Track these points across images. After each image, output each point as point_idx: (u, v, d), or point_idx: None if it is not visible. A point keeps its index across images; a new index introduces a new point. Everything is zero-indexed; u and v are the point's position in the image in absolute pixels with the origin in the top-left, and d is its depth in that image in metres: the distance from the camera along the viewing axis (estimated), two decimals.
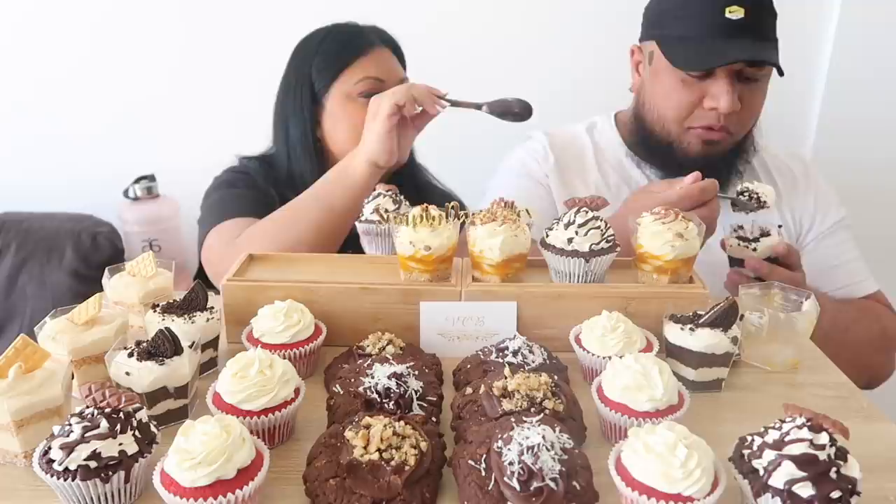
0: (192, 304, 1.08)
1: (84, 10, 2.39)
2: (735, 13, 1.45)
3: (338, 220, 1.47)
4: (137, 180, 2.47)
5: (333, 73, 1.71)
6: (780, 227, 1.47)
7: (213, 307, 1.10)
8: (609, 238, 1.18)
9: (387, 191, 1.44)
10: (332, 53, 1.72)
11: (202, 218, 1.72)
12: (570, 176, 1.71)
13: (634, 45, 1.68)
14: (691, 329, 1.03)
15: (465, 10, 2.37)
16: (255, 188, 1.72)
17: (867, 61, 2.34)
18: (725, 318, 1.03)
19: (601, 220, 1.19)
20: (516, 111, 1.47)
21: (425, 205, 1.22)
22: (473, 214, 1.21)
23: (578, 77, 1.77)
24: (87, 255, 2.34)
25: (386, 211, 1.38)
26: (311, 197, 1.48)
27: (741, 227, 1.44)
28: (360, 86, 1.69)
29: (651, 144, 1.62)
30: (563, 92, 1.92)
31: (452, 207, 1.21)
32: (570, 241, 1.17)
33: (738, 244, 1.41)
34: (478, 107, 1.48)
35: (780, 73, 1.47)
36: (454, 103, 1.48)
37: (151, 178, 2.49)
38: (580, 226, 1.17)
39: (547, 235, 1.21)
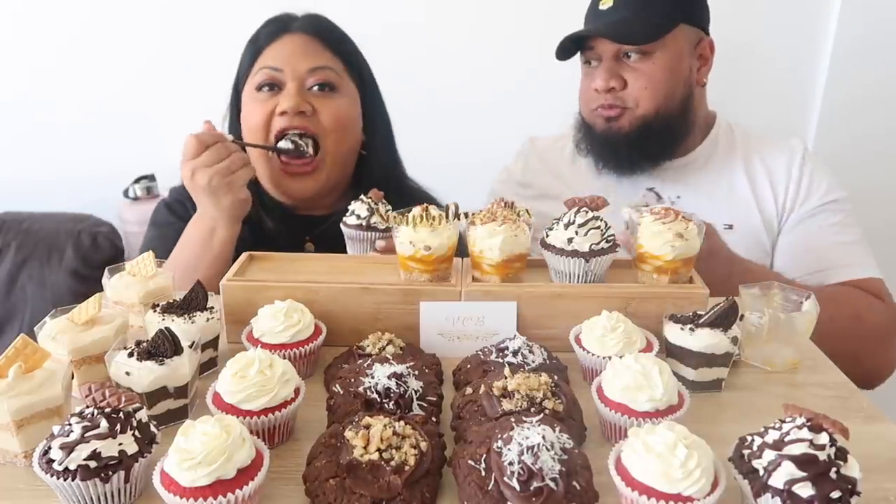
0: (192, 304, 1.08)
1: (84, 10, 2.40)
2: (605, 4, 1.63)
3: (226, 260, 1.41)
4: (137, 180, 2.48)
5: (245, 68, 1.57)
6: (678, 197, 1.53)
7: (213, 307, 1.10)
8: (609, 238, 1.18)
9: (374, 198, 1.40)
10: (248, 46, 1.59)
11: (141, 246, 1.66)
12: (543, 179, 1.85)
13: None
14: (691, 329, 1.03)
15: (453, 9, 2.38)
16: (182, 228, 1.52)
17: (868, 53, 2.35)
18: (725, 318, 1.03)
19: (601, 220, 1.19)
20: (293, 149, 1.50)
21: (425, 205, 1.22)
22: (473, 214, 1.21)
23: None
24: (87, 255, 2.34)
25: (388, 211, 1.37)
26: (192, 257, 1.42)
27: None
28: (258, 77, 1.53)
29: (584, 132, 1.76)
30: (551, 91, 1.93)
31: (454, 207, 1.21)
32: (570, 241, 1.17)
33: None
34: (267, 148, 1.49)
35: (625, 42, 1.58)
36: (242, 145, 1.45)
37: (151, 178, 2.49)
38: (580, 226, 1.17)
39: (547, 235, 1.22)
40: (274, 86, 1.52)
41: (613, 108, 1.64)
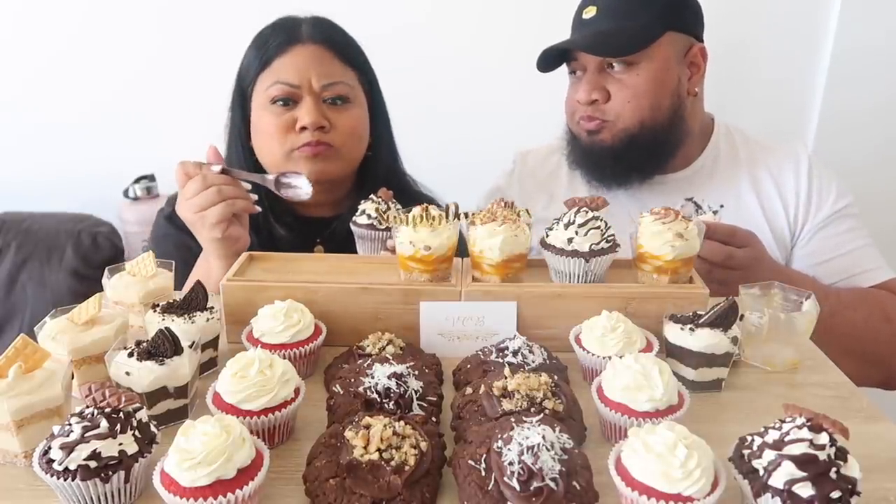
0: (192, 304, 1.08)
1: (83, 11, 2.40)
2: (588, 13, 1.59)
3: None
4: (137, 180, 2.48)
5: (253, 74, 1.54)
6: (721, 206, 1.48)
7: (213, 307, 1.10)
8: (609, 238, 1.18)
9: (384, 198, 1.39)
10: (253, 54, 1.55)
11: None
12: (538, 197, 1.79)
13: None
14: (691, 329, 1.03)
15: (457, 10, 2.37)
16: (183, 239, 1.55)
17: (868, 55, 2.34)
18: (725, 318, 1.03)
19: (601, 220, 1.19)
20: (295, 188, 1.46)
21: (425, 205, 1.22)
22: (473, 214, 1.21)
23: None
24: (87, 255, 2.35)
25: (386, 210, 1.37)
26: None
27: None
28: (272, 91, 1.50)
29: (573, 145, 1.72)
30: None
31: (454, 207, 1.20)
32: (570, 241, 1.17)
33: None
34: (264, 181, 1.45)
35: (602, 55, 1.56)
36: (232, 174, 1.40)
37: (151, 178, 2.50)
38: (580, 226, 1.17)
39: (547, 235, 1.22)
40: (289, 100, 1.51)
41: (593, 119, 1.60)
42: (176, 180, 1.39)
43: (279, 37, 1.54)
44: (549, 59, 1.64)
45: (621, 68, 1.57)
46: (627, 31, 1.55)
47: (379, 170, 1.66)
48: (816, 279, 1.55)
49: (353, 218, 1.39)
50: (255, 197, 1.41)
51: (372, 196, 1.40)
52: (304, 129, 1.50)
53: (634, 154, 1.60)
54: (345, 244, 1.45)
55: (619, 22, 1.56)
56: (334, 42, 1.55)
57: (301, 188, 1.44)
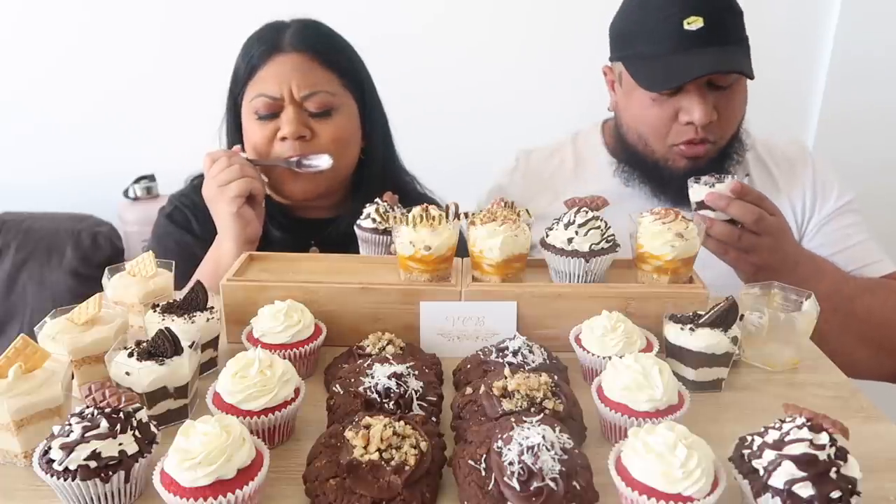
0: (192, 304, 1.08)
1: (84, 13, 2.40)
2: (694, 24, 1.44)
3: None
4: (137, 180, 2.48)
5: (241, 83, 1.55)
6: (746, 175, 1.44)
7: (213, 307, 1.10)
8: (609, 238, 1.18)
9: (389, 202, 1.38)
10: (240, 62, 1.56)
11: None
12: (542, 195, 1.74)
13: (606, 66, 1.68)
14: (691, 329, 1.03)
15: (461, 12, 2.37)
16: (183, 237, 1.62)
17: (868, 55, 2.34)
18: (725, 318, 1.03)
19: (601, 220, 1.19)
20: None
21: (425, 205, 1.22)
22: (473, 214, 1.21)
23: (577, 78, 1.77)
24: (87, 255, 2.35)
25: (386, 211, 1.36)
26: (207, 275, 1.41)
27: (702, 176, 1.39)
28: (255, 104, 1.51)
29: (636, 161, 1.62)
30: (558, 96, 1.90)
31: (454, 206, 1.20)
32: (570, 241, 1.17)
33: (697, 186, 1.36)
34: (287, 164, 1.51)
35: (749, 76, 1.46)
36: (255, 162, 1.51)
37: (151, 178, 2.50)
38: (580, 226, 1.17)
39: (547, 235, 1.22)
40: (272, 113, 1.51)
41: (702, 144, 1.50)
42: (203, 166, 1.49)
43: (262, 46, 1.54)
44: (666, 78, 1.49)
45: (724, 85, 1.49)
46: (744, 45, 1.50)
47: (374, 172, 1.65)
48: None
49: (358, 221, 1.39)
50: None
51: (378, 199, 1.39)
52: (285, 139, 1.51)
53: (712, 166, 1.54)
54: (340, 247, 1.46)
55: (731, 35, 1.49)
56: (317, 49, 1.53)
57: (321, 164, 1.52)
